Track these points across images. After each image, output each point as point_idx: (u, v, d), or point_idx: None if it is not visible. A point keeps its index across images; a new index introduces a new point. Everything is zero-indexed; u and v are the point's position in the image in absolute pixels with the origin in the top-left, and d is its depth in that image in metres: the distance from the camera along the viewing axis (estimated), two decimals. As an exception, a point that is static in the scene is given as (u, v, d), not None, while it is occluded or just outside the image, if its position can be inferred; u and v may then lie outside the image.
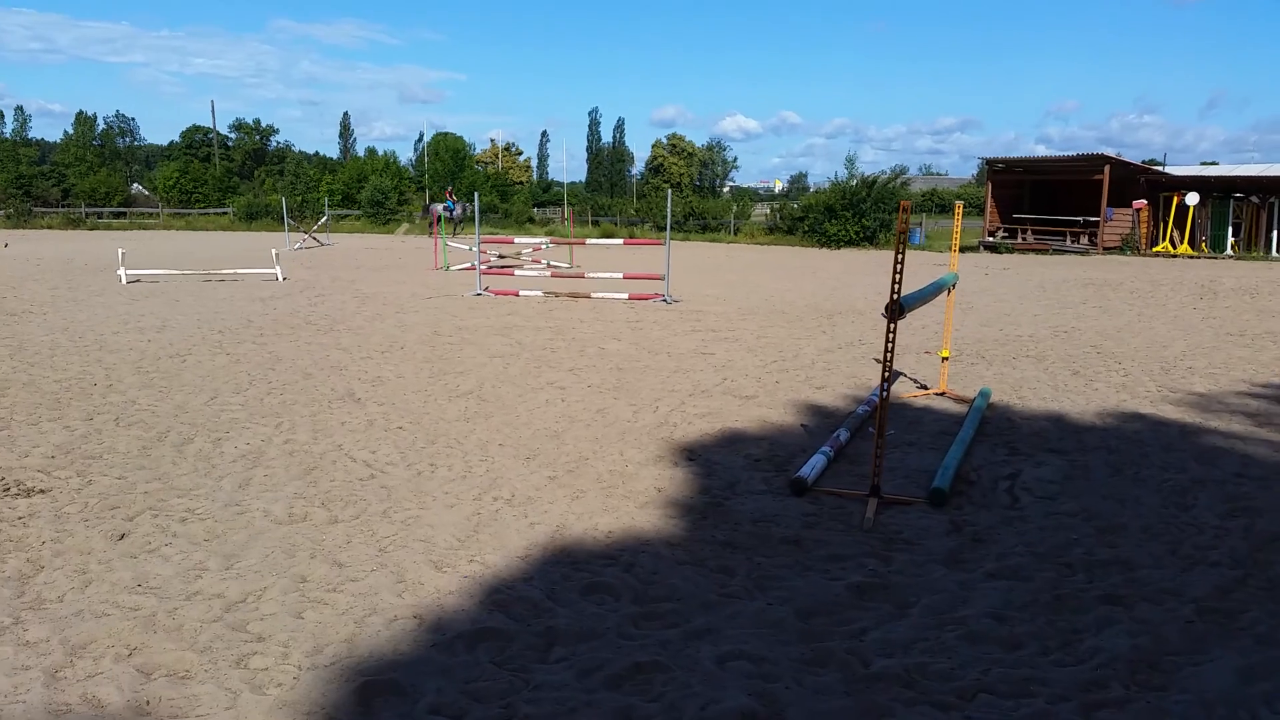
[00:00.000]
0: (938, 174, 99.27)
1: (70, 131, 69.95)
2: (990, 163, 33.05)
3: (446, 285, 17.37)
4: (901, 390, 8.27)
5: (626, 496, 5.26)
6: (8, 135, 67.66)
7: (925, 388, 8.36)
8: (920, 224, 37.05)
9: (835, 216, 33.73)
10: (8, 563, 4.14)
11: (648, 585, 4.04)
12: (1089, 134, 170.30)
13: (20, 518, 4.72)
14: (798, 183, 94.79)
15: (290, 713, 3.02)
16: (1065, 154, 32.72)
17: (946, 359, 8.08)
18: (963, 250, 30.34)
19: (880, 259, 26.89)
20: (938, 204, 57.81)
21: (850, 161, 64.93)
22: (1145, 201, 29.69)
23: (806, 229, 35.08)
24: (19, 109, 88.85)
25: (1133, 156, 34.56)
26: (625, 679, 3.25)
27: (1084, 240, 29.82)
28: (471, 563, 4.26)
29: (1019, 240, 31.25)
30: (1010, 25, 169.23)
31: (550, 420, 7.01)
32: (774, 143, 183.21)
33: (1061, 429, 6.85)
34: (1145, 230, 29.88)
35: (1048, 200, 32.78)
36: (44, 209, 49.62)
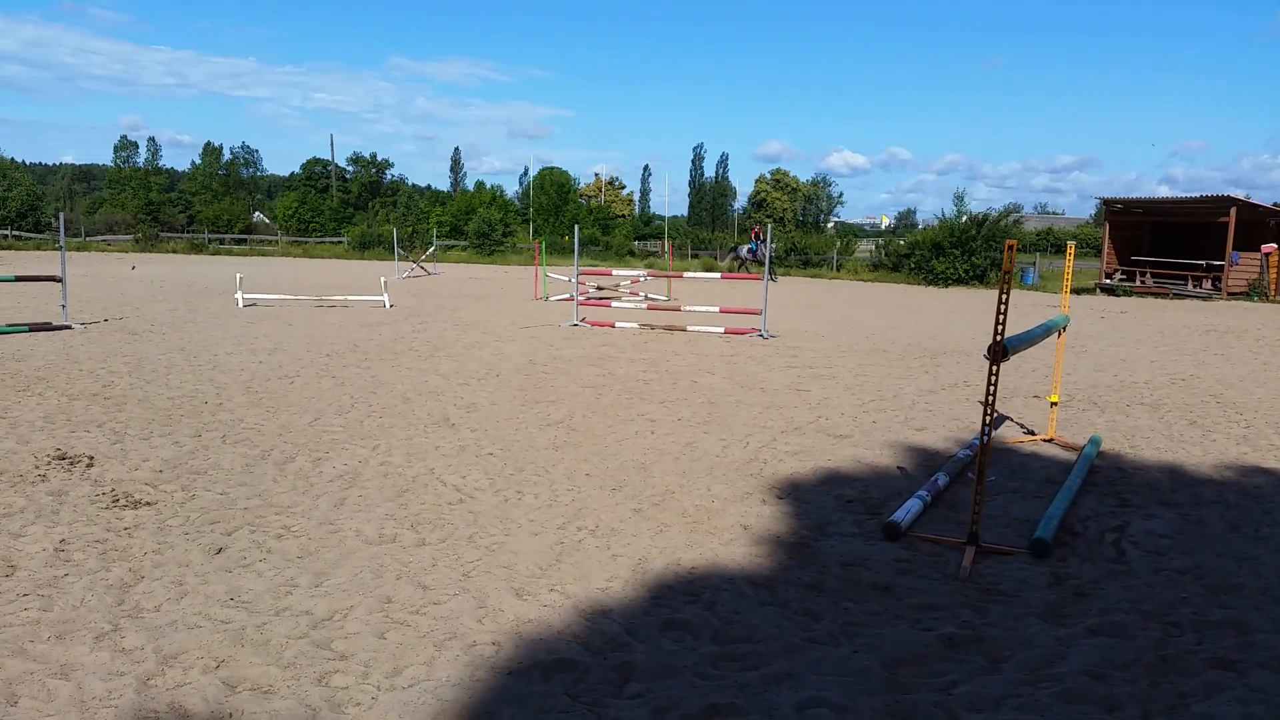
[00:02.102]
0: (1053, 213, 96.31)
1: (198, 161, 73.82)
2: (1108, 203, 31.88)
3: (545, 315, 17.62)
4: (1007, 435, 7.97)
5: (711, 533, 5.18)
6: (140, 164, 71.76)
7: (1032, 433, 8.04)
8: (1034, 264, 35.94)
9: (943, 254, 33.04)
10: (111, 571, 4.32)
11: (729, 625, 3.95)
12: (1216, 175, 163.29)
13: (126, 528, 4.92)
14: (905, 219, 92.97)
15: (365, 733, 3.04)
16: (1188, 195, 31.37)
17: (1055, 404, 7.76)
18: (1078, 292, 29.36)
19: (989, 299, 26.15)
20: (1052, 244, 56.02)
21: (959, 198, 63.56)
22: (1276, 246, 28.16)
23: (913, 266, 34.46)
24: (151, 139, 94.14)
25: (1264, 198, 32.85)
26: (700, 720, 3.16)
27: (1207, 285, 28.41)
28: (552, 592, 4.25)
29: (1137, 283, 29.99)
30: (1133, 64, 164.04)
31: (639, 452, 6.98)
32: (882, 179, 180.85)
33: (1175, 481, 6.48)
34: (1274, 275, 28.31)
35: (1169, 242, 31.40)
36: (170, 234, 52.59)
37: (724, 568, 4.65)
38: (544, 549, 4.81)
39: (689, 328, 15.27)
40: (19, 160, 69.72)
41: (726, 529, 5.25)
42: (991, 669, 3.57)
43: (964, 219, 34.91)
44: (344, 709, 3.19)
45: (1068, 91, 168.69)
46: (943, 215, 39.02)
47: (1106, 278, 30.83)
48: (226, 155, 75.45)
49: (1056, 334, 7.22)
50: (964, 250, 32.60)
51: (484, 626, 3.86)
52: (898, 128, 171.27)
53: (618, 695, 3.33)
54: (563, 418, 8.13)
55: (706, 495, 5.91)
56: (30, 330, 12.87)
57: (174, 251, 46.92)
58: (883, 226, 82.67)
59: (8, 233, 48.70)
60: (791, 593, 4.35)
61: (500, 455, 6.76)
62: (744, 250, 35.14)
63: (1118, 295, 29.00)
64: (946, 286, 32.10)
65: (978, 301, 25.61)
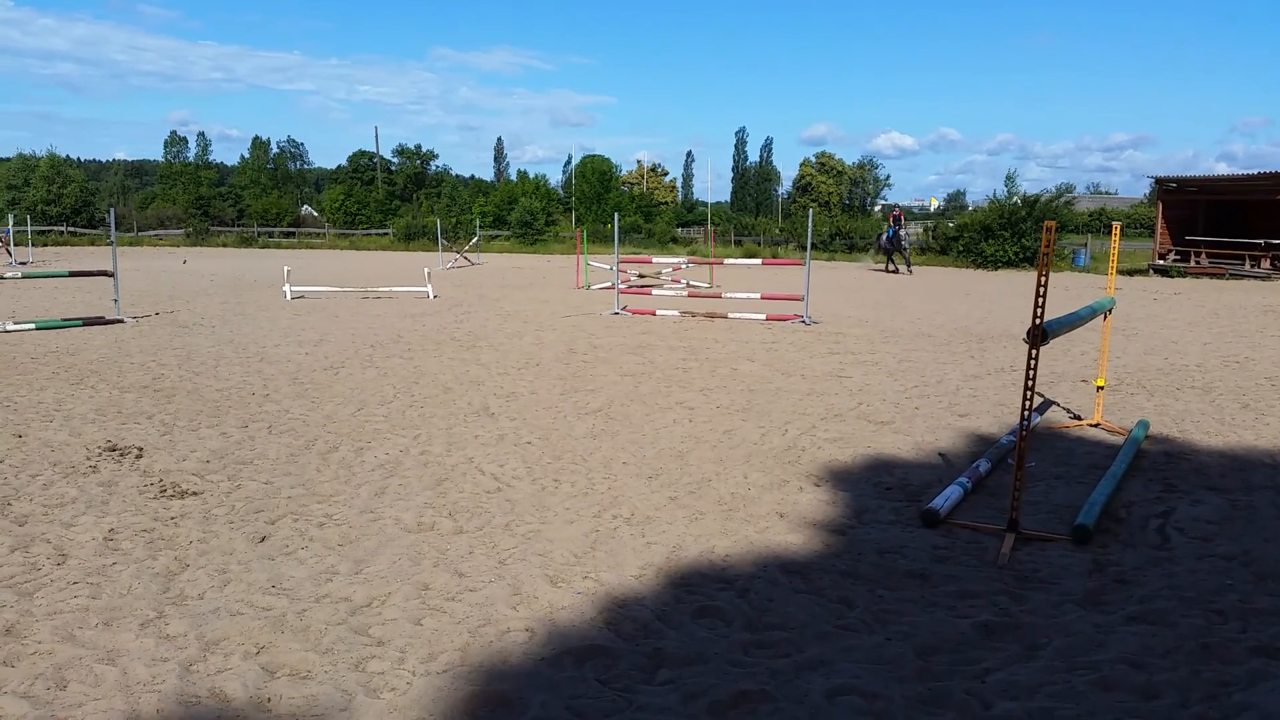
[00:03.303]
0: (1106, 193, 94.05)
1: (246, 155, 75.19)
2: (1161, 182, 31.09)
3: (586, 304, 17.67)
4: (1053, 420, 7.84)
5: (747, 520, 5.17)
6: (190, 159, 73.18)
7: (1078, 418, 7.90)
8: (1084, 245, 35.22)
9: (993, 236, 32.48)
10: (158, 559, 4.43)
11: (761, 612, 3.94)
12: (1277, 150, 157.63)
13: (173, 518, 5.05)
14: (955, 200, 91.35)
15: (400, 718, 3.09)
16: (1245, 172, 30.47)
17: (1102, 388, 7.61)
18: (1131, 274, 28.74)
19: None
20: (1105, 225, 54.85)
21: (1010, 179, 62.48)
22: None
23: (961, 249, 33.93)
24: (201, 134, 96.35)
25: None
26: (730, 706, 3.17)
27: (1265, 265, 27.60)
28: (586, 579, 4.27)
29: (1192, 264, 29.23)
30: (1191, 38, 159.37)
31: (676, 440, 6.99)
32: (931, 160, 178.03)
33: (1225, 465, 6.33)
34: (1338, 253, 27.42)
35: (1225, 222, 30.53)
36: (220, 228, 53.60)
37: (758, 555, 4.64)
38: (579, 537, 4.85)
39: (730, 315, 15.23)
40: (73, 157, 71.43)
41: (762, 516, 5.24)
42: (1027, 656, 3.53)
43: (1015, 200, 34.22)
44: (379, 694, 3.24)
45: (1123, 68, 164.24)
46: (993, 196, 38.39)
47: (1160, 259, 30.11)
48: (274, 149, 76.82)
49: (1102, 317, 7.06)
50: (1014, 232, 32.01)
51: (518, 613, 3.90)
52: (947, 108, 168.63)
53: (649, 681, 3.35)
54: (601, 406, 8.16)
55: (743, 483, 5.90)
56: (84, 324, 13.23)
57: (224, 245, 47.83)
58: (931, 209, 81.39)
59: (63, 228, 49.95)
60: (826, 580, 4.33)
61: (538, 444, 6.81)
62: (882, 239, 30.89)
63: (1171, 276, 28.32)
64: (996, 269, 31.57)
65: (1027, 285, 25.15)
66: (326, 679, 3.34)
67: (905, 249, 30.31)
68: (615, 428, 7.37)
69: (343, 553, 4.59)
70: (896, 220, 30.28)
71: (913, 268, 30.42)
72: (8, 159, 59.78)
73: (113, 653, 3.48)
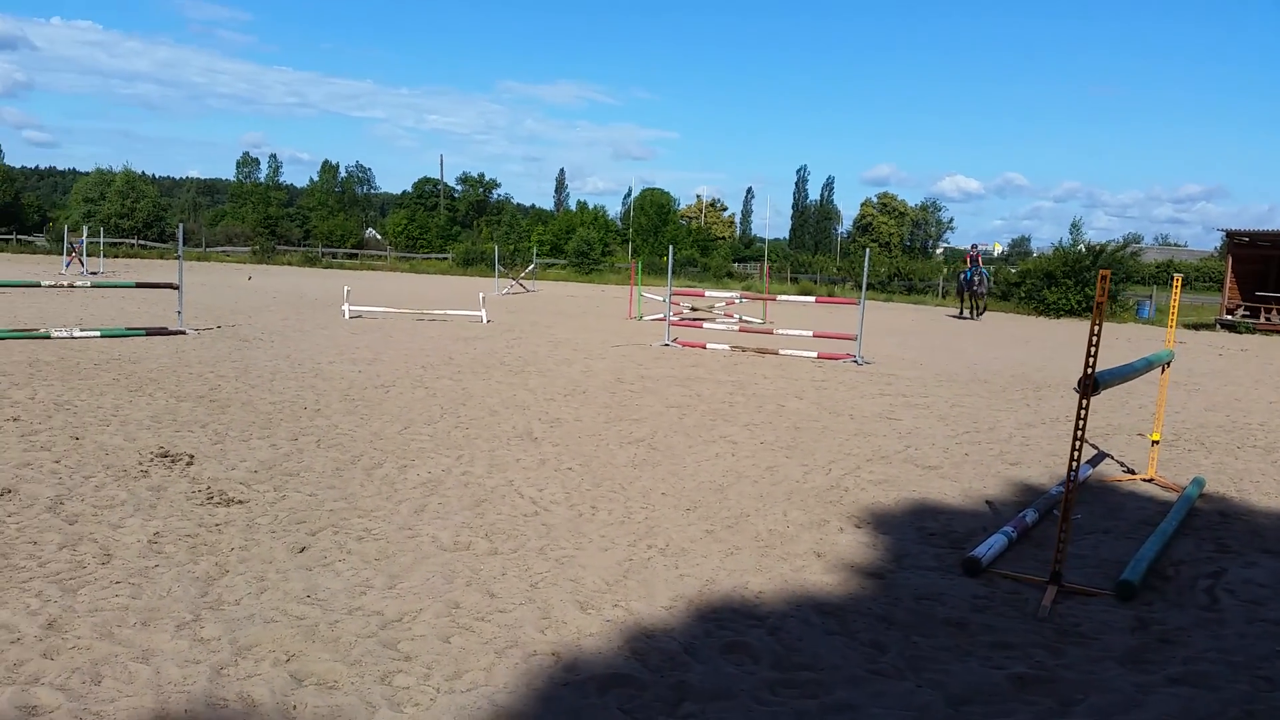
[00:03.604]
0: (1175, 244, 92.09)
1: (315, 178, 77.11)
2: (1232, 235, 30.37)
3: (637, 335, 17.72)
4: (1105, 473, 7.65)
5: (783, 558, 5.11)
6: (261, 180, 75.20)
7: (1132, 472, 7.70)
8: (1150, 298, 34.49)
9: (1056, 284, 32.00)
10: (199, 564, 4.51)
11: (791, 651, 3.89)
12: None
13: (217, 524, 5.14)
14: (1019, 246, 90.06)
15: (421, 734, 3.10)
16: (1321, 228, 29.61)
17: (1157, 442, 7.41)
18: (1197, 328, 28.04)
19: (1104, 331, 25.05)
20: (1172, 277, 53.66)
21: (1076, 226, 61.57)
22: None
23: (1023, 295, 33.47)
24: (273, 156, 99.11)
25: None
26: (752, 745, 3.12)
27: (1340, 324, 26.76)
28: (616, 607, 4.26)
29: (1261, 320, 28.42)
30: (1267, 91, 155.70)
31: (717, 474, 6.95)
32: (996, 205, 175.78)
33: (1285, 529, 6.11)
34: None
35: (1298, 278, 29.70)
36: (286, 247, 54.87)
37: (792, 594, 4.58)
38: (612, 565, 4.83)
39: (781, 351, 15.15)
40: (148, 174, 73.80)
41: (799, 555, 5.18)
42: (1061, 711, 3.42)
43: (1080, 248, 33.68)
44: (403, 708, 3.26)
45: (1197, 118, 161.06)
46: (1058, 244, 37.85)
47: (1228, 313, 29.33)
48: (343, 173, 78.63)
49: (1160, 369, 6.89)
50: (1078, 280, 31.50)
51: (545, 637, 3.90)
52: (1014, 153, 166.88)
53: (671, 714, 3.32)
54: (644, 436, 8.16)
55: (782, 520, 5.84)
56: (147, 334, 13.61)
57: (289, 264, 48.96)
58: (994, 253, 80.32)
59: (134, 242, 51.60)
60: (860, 623, 4.26)
61: (579, 470, 6.83)
62: (965, 278, 29.02)
63: (1239, 332, 27.56)
64: (1058, 317, 31.05)
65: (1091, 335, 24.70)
66: (352, 690, 3.36)
67: (982, 292, 28.72)
68: (657, 458, 7.35)
69: (378, 567, 4.64)
70: (974, 262, 28.83)
71: (981, 314, 28.92)
72: (87, 173, 62.06)
73: (148, 652, 3.54)
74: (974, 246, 30.54)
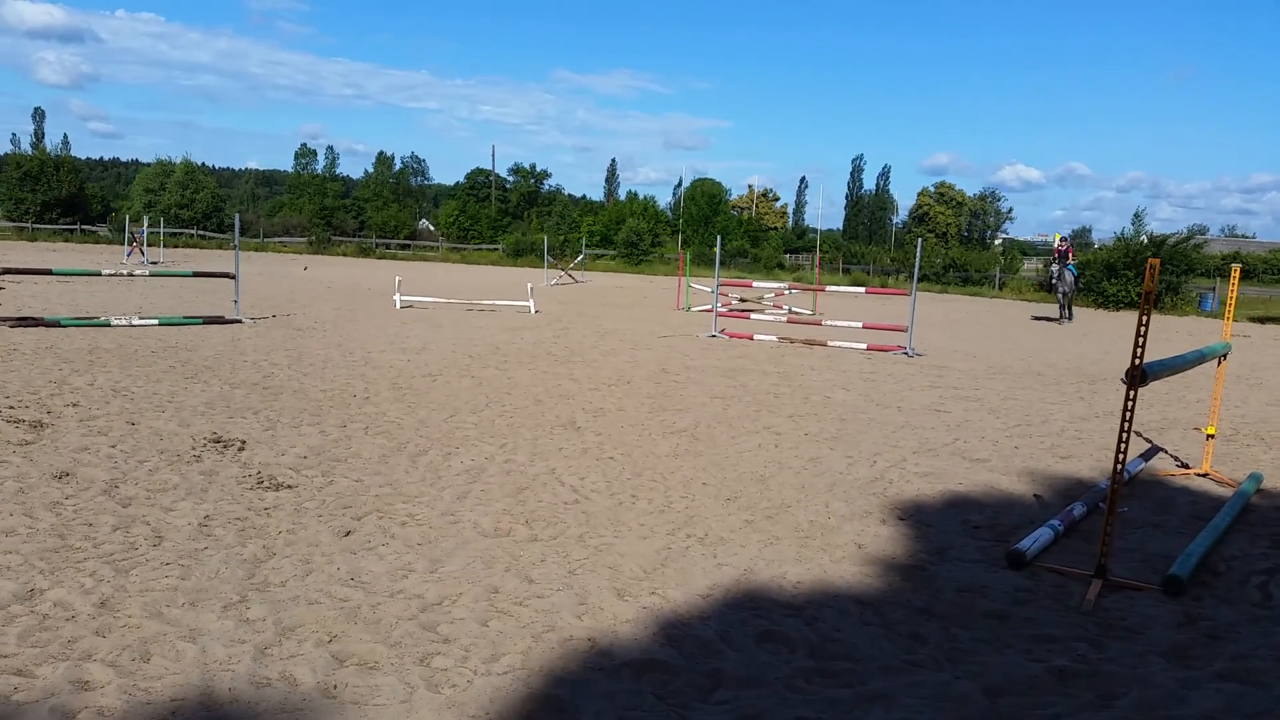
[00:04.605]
0: (1243, 236, 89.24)
1: (370, 170, 78.13)
2: (1300, 225, 29.38)
3: (684, 325, 17.71)
4: (1157, 467, 7.48)
5: (823, 549, 5.09)
6: (319, 171, 76.31)
7: (1186, 466, 7.52)
8: (1213, 290, 33.56)
9: (1115, 276, 31.29)
10: (247, 547, 4.62)
11: (827, 641, 3.87)
12: None
13: (266, 508, 5.26)
14: (1080, 237, 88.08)
15: (457, 713, 3.15)
16: (1396, 217, 28.49)
17: (1212, 436, 7.23)
18: (1264, 321, 27.21)
19: (1164, 324, 24.52)
20: (1231, 268, 51.99)
21: (1138, 217, 60.03)
22: None
23: (1082, 287, 32.79)
24: (330, 148, 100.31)
25: None
26: (784, 733, 3.12)
27: None
28: (652, 595, 4.28)
29: (1332, 313, 27.49)
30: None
31: (759, 464, 6.93)
32: (1057, 194, 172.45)
33: (1347, 527, 5.92)
34: None
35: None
36: (341, 238, 55.75)
37: (831, 585, 4.56)
38: (650, 553, 4.85)
39: (829, 343, 15.04)
40: (208, 165, 75.46)
41: (839, 546, 5.15)
42: (1102, 705, 3.36)
43: (1141, 239, 32.87)
44: (440, 689, 3.31)
45: (1269, 105, 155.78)
46: (1120, 234, 36.99)
47: (1296, 306, 28.42)
48: (397, 164, 79.61)
49: (1216, 362, 6.72)
50: (1138, 272, 30.75)
51: (582, 623, 3.93)
52: (1077, 141, 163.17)
53: (705, 700, 3.33)
54: (687, 426, 8.16)
55: (823, 511, 5.81)
56: (204, 323, 13.94)
57: (343, 254, 49.76)
58: (1054, 244, 78.61)
59: (194, 232, 52.81)
60: (898, 614, 4.22)
61: (620, 460, 6.85)
62: (1055, 267, 24.60)
63: (1309, 325, 26.71)
64: (1117, 310, 30.36)
65: (1150, 326, 24.09)
66: (392, 670, 3.43)
67: (1065, 291, 24.05)
68: (699, 448, 7.35)
69: (420, 552, 4.71)
70: (1062, 256, 24.19)
71: (1068, 315, 24.19)
72: (149, 164, 63.61)
73: (195, 631, 3.64)
74: (1062, 239, 25.31)
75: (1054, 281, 24.52)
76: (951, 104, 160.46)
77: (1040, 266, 42.11)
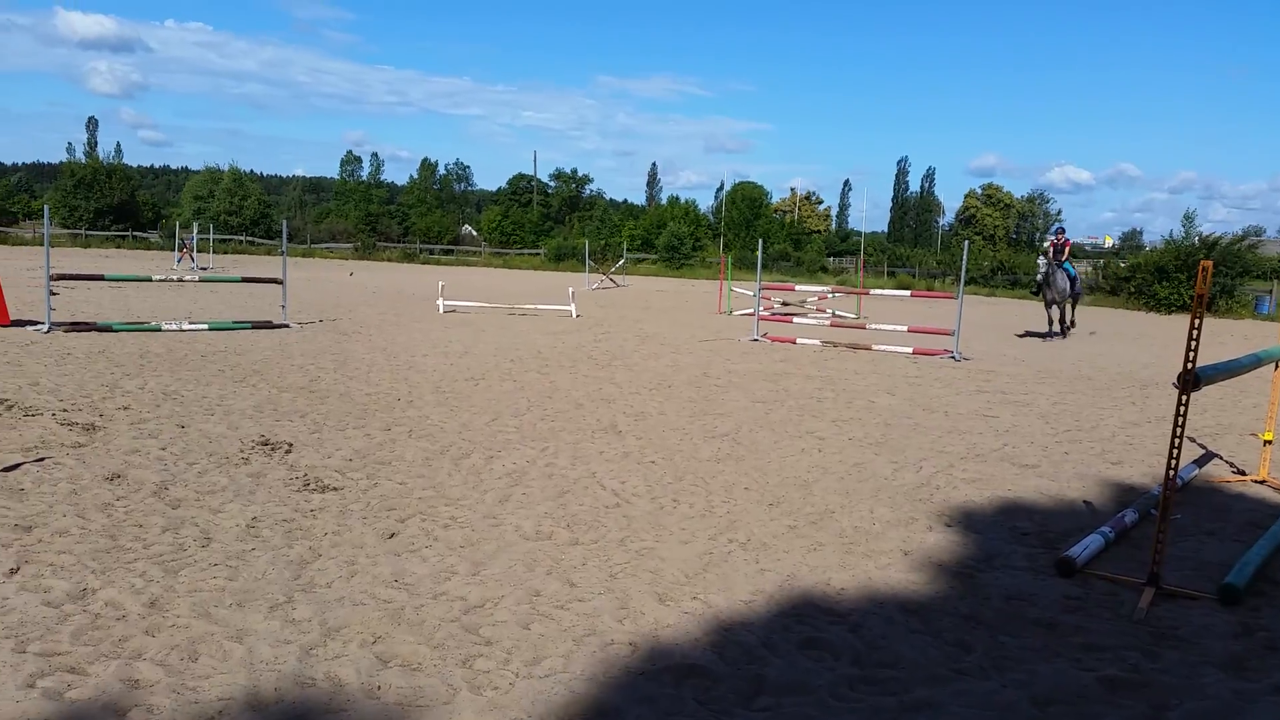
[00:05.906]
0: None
1: (415, 176, 79.03)
2: (1361, 225, 28.56)
3: (726, 329, 17.66)
4: (1213, 474, 7.30)
5: (868, 555, 5.03)
6: (364, 178, 77.30)
7: (1242, 473, 7.33)
8: (1270, 293, 32.71)
9: (1167, 278, 30.63)
10: (294, 548, 4.68)
11: (872, 649, 3.82)
12: None
13: (312, 510, 5.33)
14: (1131, 239, 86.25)
15: (499, 715, 3.15)
16: None
17: (1269, 442, 7.03)
18: (1323, 324, 26.46)
19: (1217, 328, 23.96)
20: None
21: (1189, 218, 58.87)
22: None
23: (1132, 290, 32.16)
24: (374, 155, 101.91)
25: None
26: (828, 741, 3.08)
27: None
28: (694, 600, 4.25)
29: (1395, 315, 26.66)
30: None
31: (802, 469, 6.87)
32: (1108, 196, 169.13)
33: None
34: None
35: None
36: (386, 243, 56.42)
37: (876, 591, 4.50)
38: (692, 558, 4.83)
39: (874, 346, 14.89)
40: (256, 172, 76.90)
41: (884, 553, 5.09)
42: (1153, 716, 3.28)
43: (1193, 240, 32.14)
44: (482, 691, 3.32)
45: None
46: (1170, 236, 36.25)
47: (1357, 309, 27.63)
48: (441, 171, 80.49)
49: (1274, 365, 6.54)
50: (1190, 275, 30.09)
51: (623, 627, 3.92)
52: (1128, 142, 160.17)
53: (746, 707, 3.30)
54: (729, 430, 8.12)
55: (868, 517, 5.74)
56: (252, 327, 14.18)
57: (388, 260, 50.33)
58: (1105, 246, 77.14)
59: (242, 238, 53.75)
60: (945, 622, 4.16)
61: (661, 464, 6.84)
62: (1042, 264, 18.44)
63: (1371, 328, 25.94)
64: (1169, 313, 29.73)
65: (1203, 330, 23.55)
66: (434, 672, 3.44)
67: (1054, 299, 18.66)
68: (741, 453, 7.31)
69: (463, 554, 4.73)
70: (1057, 252, 18.47)
71: (1067, 327, 19.31)
72: (197, 171, 64.90)
73: (242, 631, 3.69)
74: (1058, 232, 19.25)
75: (1041, 283, 18.63)
76: (999, 105, 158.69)
77: (1090, 270, 41.31)
